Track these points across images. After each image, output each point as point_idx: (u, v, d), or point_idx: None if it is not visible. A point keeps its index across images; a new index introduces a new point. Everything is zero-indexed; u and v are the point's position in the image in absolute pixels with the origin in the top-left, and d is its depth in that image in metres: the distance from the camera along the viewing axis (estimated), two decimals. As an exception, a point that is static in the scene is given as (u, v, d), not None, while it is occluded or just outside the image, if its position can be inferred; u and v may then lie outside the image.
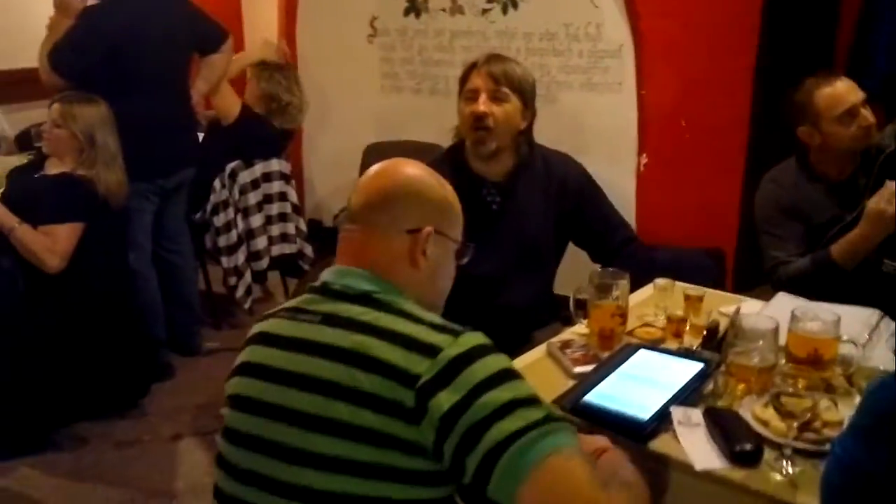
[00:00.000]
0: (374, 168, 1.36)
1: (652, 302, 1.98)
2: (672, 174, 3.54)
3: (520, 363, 1.79)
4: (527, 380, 1.14)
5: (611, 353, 1.73)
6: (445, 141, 3.94)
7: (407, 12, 4.06)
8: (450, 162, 2.18)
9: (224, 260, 3.58)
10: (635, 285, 1.97)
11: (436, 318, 1.18)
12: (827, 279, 2.16)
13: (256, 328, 1.27)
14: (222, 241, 3.58)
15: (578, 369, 1.68)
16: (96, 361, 2.71)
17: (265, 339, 1.23)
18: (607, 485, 1.07)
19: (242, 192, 3.55)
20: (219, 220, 3.57)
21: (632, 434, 1.44)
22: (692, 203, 3.47)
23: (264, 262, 3.63)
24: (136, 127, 2.91)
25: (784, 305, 1.98)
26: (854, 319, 1.87)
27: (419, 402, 1.07)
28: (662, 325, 1.86)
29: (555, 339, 1.83)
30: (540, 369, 1.74)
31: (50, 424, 2.67)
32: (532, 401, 1.09)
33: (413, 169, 1.33)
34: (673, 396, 1.51)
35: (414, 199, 1.28)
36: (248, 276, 3.55)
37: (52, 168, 2.71)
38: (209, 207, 3.56)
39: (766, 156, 2.69)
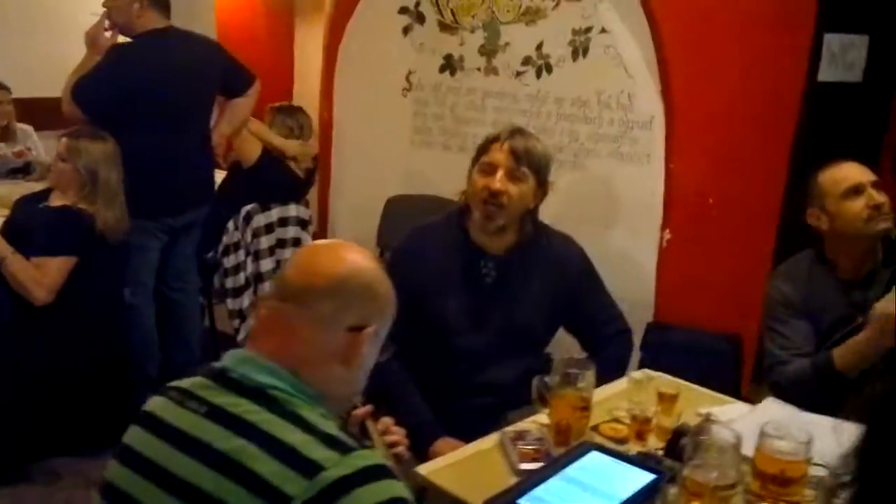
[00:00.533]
0: (322, 246, 1.28)
1: (626, 396, 1.84)
2: (695, 252, 3.38)
3: (472, 448, 1.69)
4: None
5: (565, 450, 1.60)
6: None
7: (443, 69, 4.04)
8: (453, 227, 2.11)
9: (229, 301, 3.56)
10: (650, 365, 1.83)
11: (331, 428, 1.06)
12: (827, 386, 1.99)
13: (147, 404, 1.19)
14: (230, 283, 3.57)
15: (524, 465, 1.56)
16: (78, 397, 2.68)
17: (148, 422, 1.14)
18: None
19: (255, 234, 3.54)
20: (228, 262, 3.56)
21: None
22: (714, 284, 3.31)
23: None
24: (149, 165, 2.93)
25: (771, 413, 1.83)
26: (840, 435, 1.71)
27: None
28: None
29: (510, 429, 1.71)
30: (488, 460, 1.63)
31: (24, 457, 2.64)
32: None
33: (364, 259, 1.22)
34: (612, 509, 1.37)
35: (366, 294, 1.17)
36: (251, 321, 3.51)
37: (56, 200, 2.74)
38: (221, 248, 3.55)
39: (797, 243, 2.53)
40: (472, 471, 1.58)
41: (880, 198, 2.04)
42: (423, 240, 2.14)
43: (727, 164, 3.25)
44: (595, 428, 1.73)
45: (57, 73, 3.11)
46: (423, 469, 1.58)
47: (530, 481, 1.47)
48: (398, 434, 1.48)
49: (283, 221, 3.65)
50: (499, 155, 1.99)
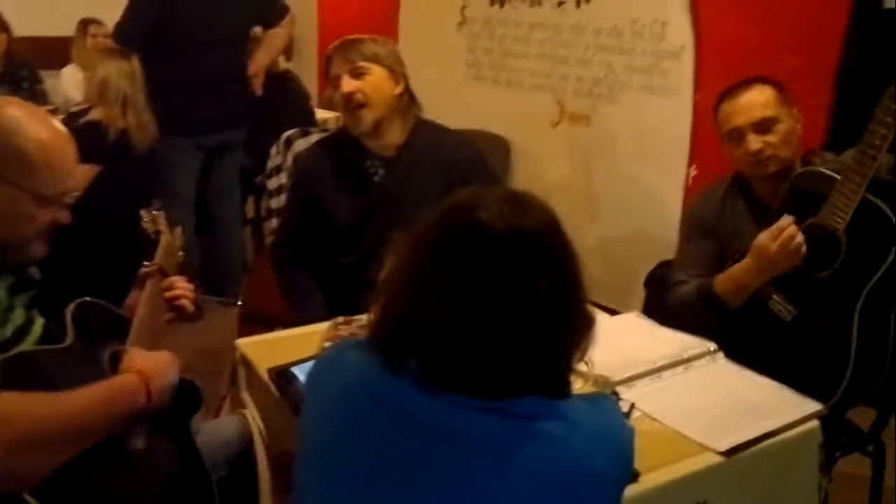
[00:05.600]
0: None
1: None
2: (720, 190, 3.20)
3: (316, 328, 1.78)
4: None
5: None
6: (515, 134, 3.94)
7: (492, 2, 4.03)
8: (343, 138, 2.20)
9: (274, 221, 3.81)
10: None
11: None
12: (710, 313, 1.88)
13: None
14: (273, 204, 3.81)
15: (328, 345, 1.64)
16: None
17: None
18: None
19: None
20: (272, 184, 3.79)
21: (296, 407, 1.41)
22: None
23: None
24: (180, 86, 3.21)
25: (629, 324, 1.79)
26: (679, 345, 1.65)
27: None
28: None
29: (353, 317, 1.79)
30: (311, 340, 1.71)
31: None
32: None
33: (9, 110, 1.30)
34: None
35: None
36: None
37: (91, 114, 3.08)
38: (266, 172, 3.80)
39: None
40: (285, 348, 1.67)
41: (756, 144, 1.86)
42: (321, 147, 2.26)
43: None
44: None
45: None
46: (240, 342, 1.70)
47: (315, 356, 1.55)
48: (183, 289, 1.61)
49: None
50: (335, 67, 2.08)
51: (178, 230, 1.85)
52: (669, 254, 3.31)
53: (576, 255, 0.98)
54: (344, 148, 2.18)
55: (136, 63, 3.07)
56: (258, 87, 3.63)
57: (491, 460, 0.92)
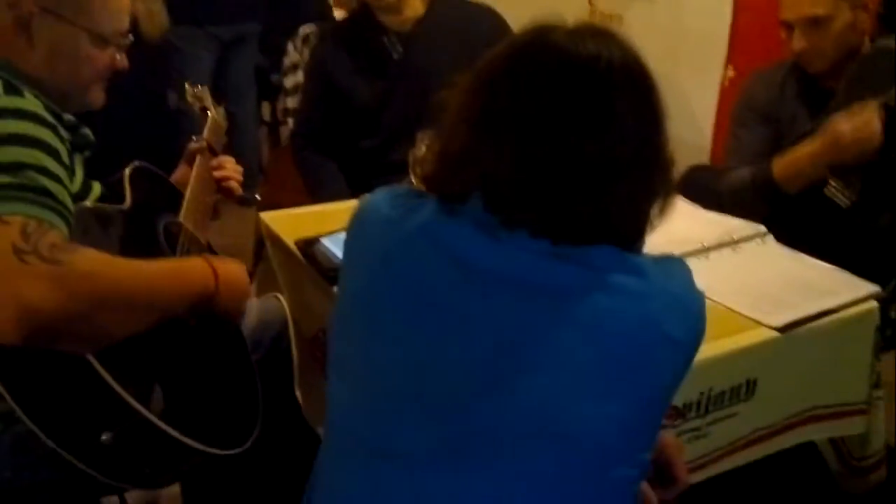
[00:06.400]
0: None
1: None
2: (757, 92, 3.06)
3: (343, 205, 1.71)
4: (39, 149, 1.07)
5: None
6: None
7: None
8: (359, 17, 2.09)
9: (290, 121, 3.70)
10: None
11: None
12: (765, 199, 1.78)
13: None
14: (290, 103, 3.69)
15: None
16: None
17: None
18: (58, 262, 0.98)
19: (313, 56, 3.62)
20: (288, 82, 3.67)
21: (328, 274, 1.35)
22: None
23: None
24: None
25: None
26: (727, 226, 1.56)
27: None
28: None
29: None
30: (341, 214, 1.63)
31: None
32: (10, 167, 1.03)
33: None
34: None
35: None
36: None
37: None
38: (282, 69, 3.67)
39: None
40: (311, 222, 1.60)
41: (799, 44, 1.75)
42: (334, 30, 2.19)
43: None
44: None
45: None
46: (264, 214, 1.63)
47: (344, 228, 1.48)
48: (231, 170, 1.54)
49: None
50: None
51: (222, 109, 1.77)
52: (702, 158, 3.22)
53: (661, 94, 0.87)
54: (359, 28, 2.07)
55: None
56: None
57: (555, 309, 0.83)
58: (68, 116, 1.28)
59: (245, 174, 3.64)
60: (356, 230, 0.98)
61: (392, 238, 0.91)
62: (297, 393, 1.43)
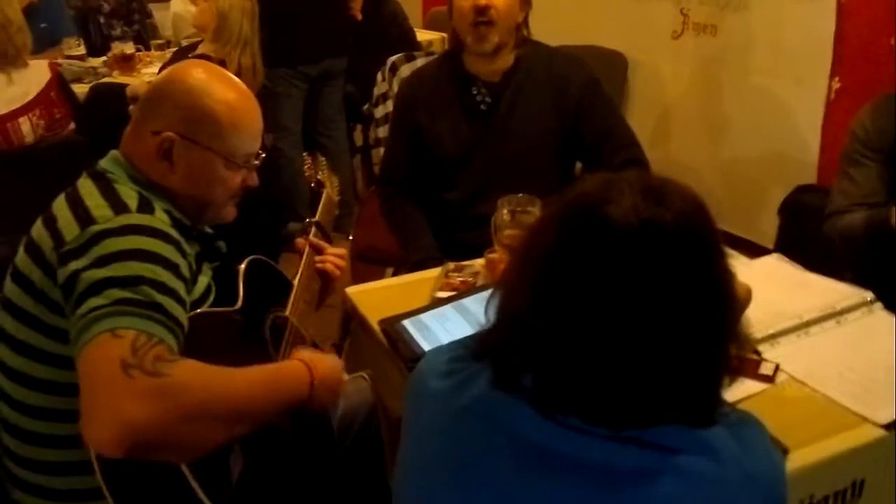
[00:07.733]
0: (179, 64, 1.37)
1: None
2: (866, 104, 2.88)
3: (414, 277, 1.71)
4: (159, 264, 1.13)
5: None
6: (633, 48, 3.66)
7: None
8: (447, 64, 2.07)
9: (382, 150, 3.74)
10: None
11: (130, 199, 1.20)
12: (878, 246, 1.67)
13: None
14: (381, 133, 3.73)
15: (439, 294, 1.56)
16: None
17: None
18: (159, 374, 1.02)
19: (401, 86, 3.64)
20: (378, 112, 3.71)
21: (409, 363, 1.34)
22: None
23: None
24: (282, 15, 3.12)
25: (769, 269, 1.62)
26: (830, 295, 1.47)
27: (60, 264, 1.14)
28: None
29: (464, 263, 1.70)
30: (421, 288, 1.63)
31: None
32: (129, 282, 1.08)
33: (195, 72, 1.30)
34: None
35: (166, 102, 1.28)
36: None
37: (200, 48, 3.05)
38: (373, 99, 3.71)
39: None
40: (396, 296, 1.60)
41: None
42: (420, 78, 2.13)
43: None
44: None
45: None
46: (350, 290, 1.64)
47: (426, 307, 1.47)
48: (330, 253, 1.57)
49: (430, 71, 3.69)
50: None
51: (336, 180, 1.79)
52: (807, 178, 3.05)
53: (724, 252, 0.82)
54: (448, 74, 2.05)
55: (255, 1, 2.99)
56: (357, 12, 3.51)
57: (616, 492, 0.79)
58: (206, 229, 1.36)
59: (340, 205, 3.72)
60: (411, 402, 0.96)
61: (446, 412, 0.89)
62: (391, 484, 1.44)
